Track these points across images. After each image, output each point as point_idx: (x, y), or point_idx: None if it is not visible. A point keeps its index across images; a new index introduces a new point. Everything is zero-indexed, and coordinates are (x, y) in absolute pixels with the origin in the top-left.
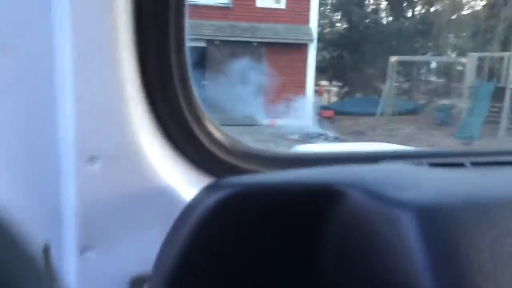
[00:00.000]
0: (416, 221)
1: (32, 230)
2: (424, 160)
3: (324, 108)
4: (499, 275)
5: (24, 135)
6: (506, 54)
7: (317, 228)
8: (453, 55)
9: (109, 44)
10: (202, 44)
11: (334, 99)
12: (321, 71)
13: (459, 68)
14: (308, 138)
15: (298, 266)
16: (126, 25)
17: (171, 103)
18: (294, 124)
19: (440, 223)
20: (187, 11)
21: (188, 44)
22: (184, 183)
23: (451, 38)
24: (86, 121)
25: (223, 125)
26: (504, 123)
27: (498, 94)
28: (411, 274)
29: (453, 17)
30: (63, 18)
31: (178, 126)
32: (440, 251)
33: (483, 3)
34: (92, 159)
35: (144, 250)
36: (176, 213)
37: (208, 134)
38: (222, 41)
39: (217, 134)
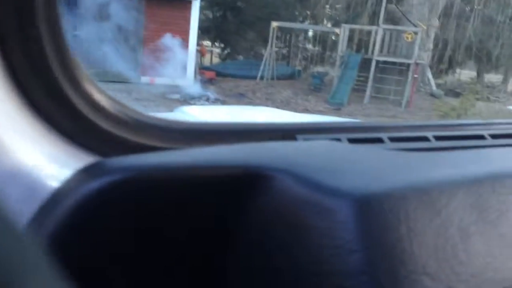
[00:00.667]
0: (353, 213)
1: None
2: (343, 135)
3: (206, 68)
4: (442, 273)
5: None
6: (373, 27)
7: (233, 218)
8: (329, 25)
9: None
10: None
11: (216, 60)
12: (204, 31)
13: (333, 38)
14: (189, 98)
15: (207, 267)
16: None
17: (33, 53)
18: (174, 84)
19: (380, 215)
20: None
21: None
22: (53, 164)
23: (327, 9)
24: None
25: (100, 81)
26: (368, 91)
27: (365, 65)
28: (343, 275)
29: None
30: None
31: (44, 85)
32: (379, 248)
33: None
34: None
35: None
36: (36, 198)
37: (87, 98)
38: None
39: (98, 98)
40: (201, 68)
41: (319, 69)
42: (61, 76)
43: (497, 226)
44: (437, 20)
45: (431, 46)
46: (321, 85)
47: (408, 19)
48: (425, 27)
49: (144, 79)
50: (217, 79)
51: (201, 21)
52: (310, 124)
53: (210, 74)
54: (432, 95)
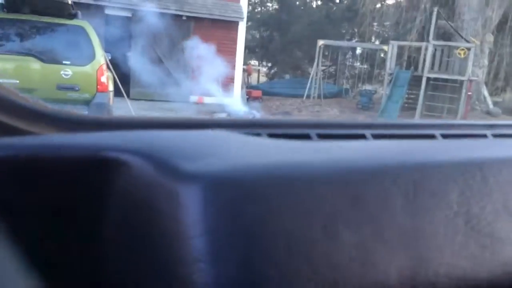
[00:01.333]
0: (197, 196)
1: None
2: (265, 131)
3: (253, 87)
4: (292, 265)
5: None
6: (423, 44)
7: (83, 201)
8: (377, 42)
9: None
10: (127, 14)
11: (263, 79)
12: (251, 50)
13: (382, 55)
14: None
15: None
16: None
17: None
18: (221, 102)
19: (230, 200)
20: None
21: (113, 12)
22: None
23: (375, 26)
24: None
25: (150, 100)
26: (419, 109)
27: (415, 82)
28: (184, 265)
29: (378, 6)
30: None
31: None
32: (221, 234)
33: None
34: None
35: None
36: None
37: None
38: (148, 12)
39: None
40: (248, 87)
41: (367, 87)
42: None
43: (373, 220)
44: (491, 35)
45: (486, 62)
46: (369, 103)
47: (460, 35)
48: (478, 43)
49: (193, 98)
50: (263, 98)
51: (248, 41)
52: (237, 120)
53: (256, 93)
54: (489, 113)
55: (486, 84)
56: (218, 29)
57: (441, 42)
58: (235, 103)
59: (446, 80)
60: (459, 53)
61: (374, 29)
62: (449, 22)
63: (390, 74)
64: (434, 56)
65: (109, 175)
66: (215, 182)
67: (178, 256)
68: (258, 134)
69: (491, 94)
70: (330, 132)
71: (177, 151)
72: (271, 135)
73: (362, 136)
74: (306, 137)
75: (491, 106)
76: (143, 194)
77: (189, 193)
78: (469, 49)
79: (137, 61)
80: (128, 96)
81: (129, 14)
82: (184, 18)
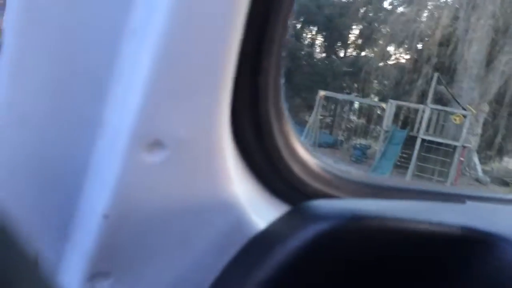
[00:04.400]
0: None
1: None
2: None
3: None
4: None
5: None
6: (421, 106)
7: (440, 278)
8: (376, 99)
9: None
10: None
11: None
12: None
13: (379, 112)
14: None
15: None
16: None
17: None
18: None
19: None
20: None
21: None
22: (254, 205)
23: (375, 83)
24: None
25: None
26: (411, 169)
27: (410, 142)
28: None
29: (380, 64)
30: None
31: (265, 151)
32: None
33: (408, 56)
34: (152, 146)
35: (175, 283)
36: (237, 238)
37: (299, 162)
38: None
39: (309, 161)
40: None
41: (362, 141)
42: (280, 143)
43: None
44: (487, 106)
45: (479, 131)
46: (363, 157)
47: (457, 102)
48: (474, 111)
49: None
50: None
51: None
52: (477, 192)
53: None
54: (478, 180)
55: (478, 152)
56: None
57: (439, 107)
58: None
59: (440, 144)
60: (455, 119)
61: (374, 85)
62: (448, 88)
63: (386, 132)
64: (430, 119)
65: (472, 255)
66: None
67: None
68: None
69: (481, 163)
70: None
71: None
72: None
73: None
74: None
75: (480, 174)
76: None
77: None
78: (465, 116)
79: None
80: None
81: None
82: None
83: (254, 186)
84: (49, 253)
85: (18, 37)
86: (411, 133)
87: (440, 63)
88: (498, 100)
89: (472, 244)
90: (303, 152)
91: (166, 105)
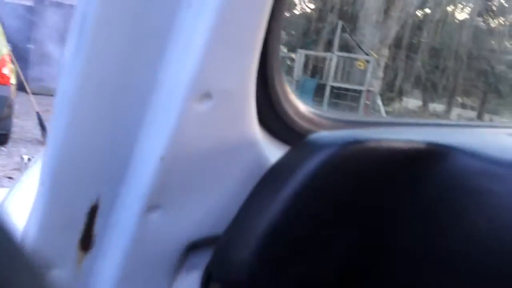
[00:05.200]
0: None
1: (79, 185)
2: None
3: None
4: None
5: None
6: (328, 54)
7: (414, 185)
8: (285, 50)
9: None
10: (29, 3)
11: None
12: None
13: (289, 63)
14: None
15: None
16: None
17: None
18: None
19: None
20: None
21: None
22: (264, 144)
23: (283, 34)
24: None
25: (51, 95)
26: None
27: (320, 90)
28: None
29: (286, 14)
30: None
31: (268, 99)
32: None
33: (313, 6)
34: (202, 97)
35: (210, 211)
36: (255, 173)
37: (292, 106)
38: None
39: (299, 106)
40: None
41: None
42: (280, 92)
43: None
44: (387, 50)
45: (381, 74)
46: None
47: (360, 48)
48: (376, 56)
49: None
50: None
51: None
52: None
53: None
54: None
55: (381, 95)
56: None
57: (344, 54)
58: None
59: (347, 89)
60: (359, 65)
61: (282, 36)
62: (351, 35)
63: (297, 81)
64: (337, 66)
65: (437, 164)
66: None
67: None
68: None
69: (384, 104)
70: None
71: (489, 145)
72: None
73: None
74: None
75: (384, 114)
76: (467, 177)
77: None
78: (368, 61)
79: (37, 55)
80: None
81: (31, 3)
82: None
83: (260, 129)
84: (106, 193)
85: (96, 9)
86: (320, 81)
87: (344, 12)
88: (397, 44)
89: (434, 155)
90: (295, 99)
91: (215, 64)
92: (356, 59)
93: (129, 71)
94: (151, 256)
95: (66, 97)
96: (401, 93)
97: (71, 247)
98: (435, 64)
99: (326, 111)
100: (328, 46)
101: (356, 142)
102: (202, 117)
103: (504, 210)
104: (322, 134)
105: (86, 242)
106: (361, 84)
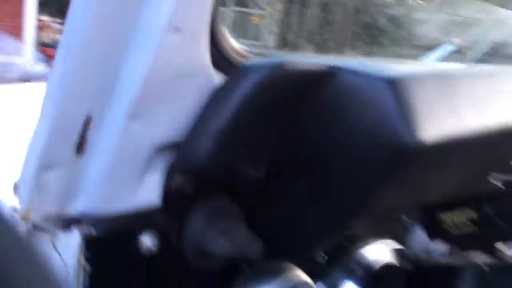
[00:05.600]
0: (391, 88)
1: (75, 102)
2: None
3: (48, 45)
4: None
5: None
6: (225, 9)
7: (315, 97)
8: None
9: None
10: None
11: (58, 37)
12: (43, 4)
13: None
14: (31, 77)
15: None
16: None
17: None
18: (11, 62)
19: (410, 90)
20: None
21: None
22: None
23: None
24: None
25: None
26: None
27: None
28: (387, 127)
29: None
30: None
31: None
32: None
33: None
34: (174, 30)
35: (175, 120)
36: (207, 90)
37: (224, 44)
38: None
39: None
40: (41, 45)
41: None
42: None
43: None
44: (281, 4)
45: (276, 29)
46: None
47: (256, 2)
48: (271, 11)
49: None
50: None
51: None
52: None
53: (52, 51)
54: None
55: (277, 49)
56: None
57: (240, 9)
58: (27, 62)
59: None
60: (254, 20)
61: None
62: None
63: None
64: (234, 21)
65: (328, 82)
66: (400, 80)
67: (387, 127)
68: None
69: None
70: None
71: (370, 67)
72: None
73: None
74: None
75: None
76: (352, 91)
77: (386, 87)
78: (263, 16)
79: None
80: None
81: None
82: None
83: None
84: (98, 107)
85: None
86: None
87: None
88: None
89: (330, 74)
90: (229, 38)
91: (183, 6)
92: (251, 14)
93: (117, 11)
94: (132, 156)
95: (72, 38)
96: (295, 49)
97: (68, 150)
98: (326, 19)
99: (252, 48)
100: (224, 1)
101: (278, 65)
102: (173, 46)
103: (377, 115)
104: (252, 62)
105: (81, 146)
106: (257, 40)
